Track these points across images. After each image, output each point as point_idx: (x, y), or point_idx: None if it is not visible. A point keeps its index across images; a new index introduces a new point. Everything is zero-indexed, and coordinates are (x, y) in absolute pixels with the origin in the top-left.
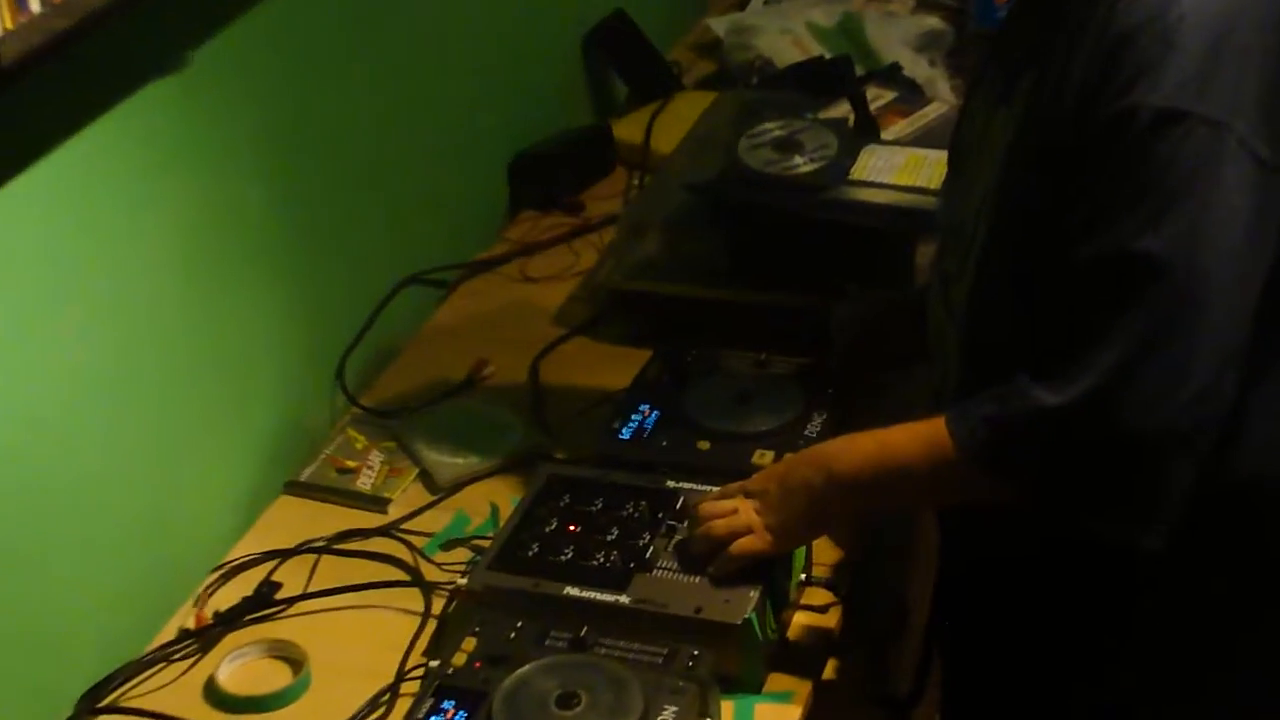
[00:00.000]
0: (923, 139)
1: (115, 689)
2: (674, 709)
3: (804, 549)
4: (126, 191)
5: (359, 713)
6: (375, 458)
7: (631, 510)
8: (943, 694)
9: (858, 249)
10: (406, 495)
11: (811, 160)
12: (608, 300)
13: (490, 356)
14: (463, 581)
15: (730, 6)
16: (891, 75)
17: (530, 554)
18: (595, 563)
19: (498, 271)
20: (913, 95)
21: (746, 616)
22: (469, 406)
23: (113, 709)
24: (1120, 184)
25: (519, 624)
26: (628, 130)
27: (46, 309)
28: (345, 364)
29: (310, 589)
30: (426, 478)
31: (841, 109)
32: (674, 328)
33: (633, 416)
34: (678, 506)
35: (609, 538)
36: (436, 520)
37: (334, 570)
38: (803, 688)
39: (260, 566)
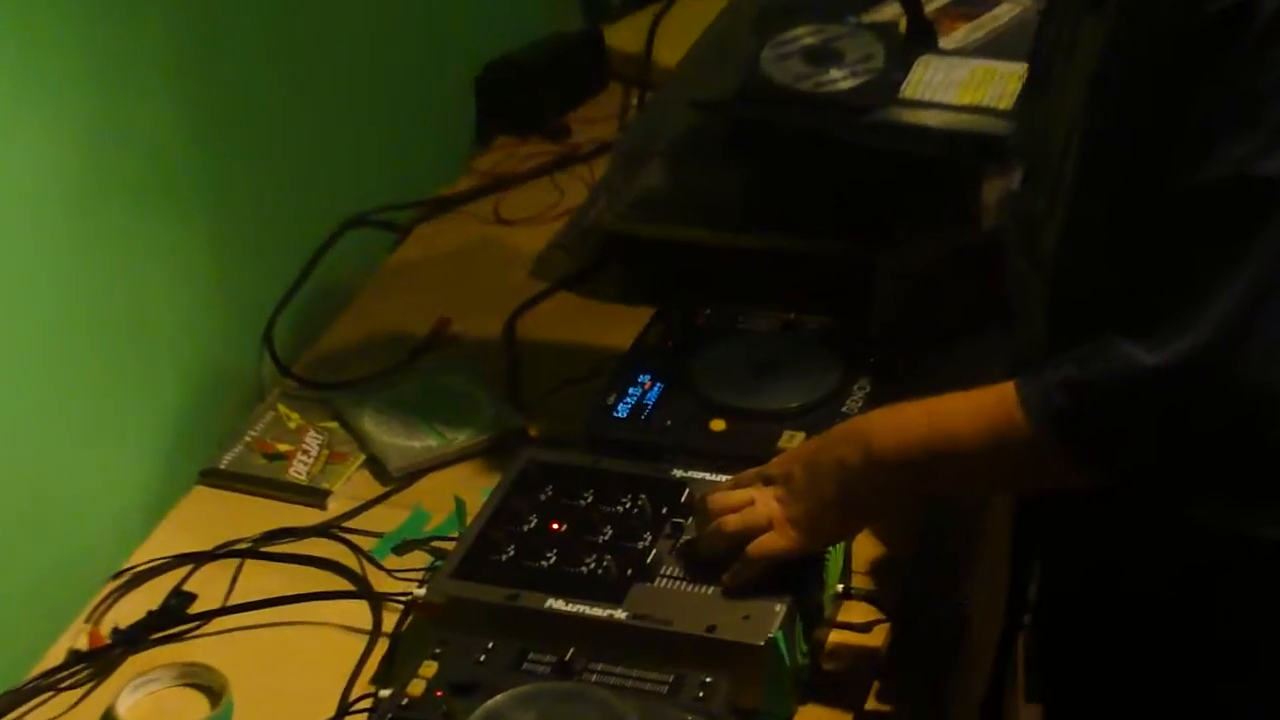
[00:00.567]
0: (991, 48)
1: None
2: None
3: (840, 550)
4: None
5: None
6: (312, 440)
7: (629, 505)
8: None
9: (910, 183)
10: (350, 486)
11: (853, 74)
12: (599, 247)
13: (455, 315)
14: (420, 592)
15: None
16: None
17: (504, 558)
18: (584, 569)
19: (464, 211)
20: None
21: (771, 636)
22: (428, 377)
23: None
24: (1234, 96)
25: (490, 645)
26: (623, 37)
27: None
28: (275, 324)
29: (231, 601)
30: (375, 465)
31: (890, 11)
32: (681, 281)
33: (630, 390)
34: (684, 500)
35: (601, 539)
36: (388, 517)
37: (261, 578)
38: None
39: (170, 574)
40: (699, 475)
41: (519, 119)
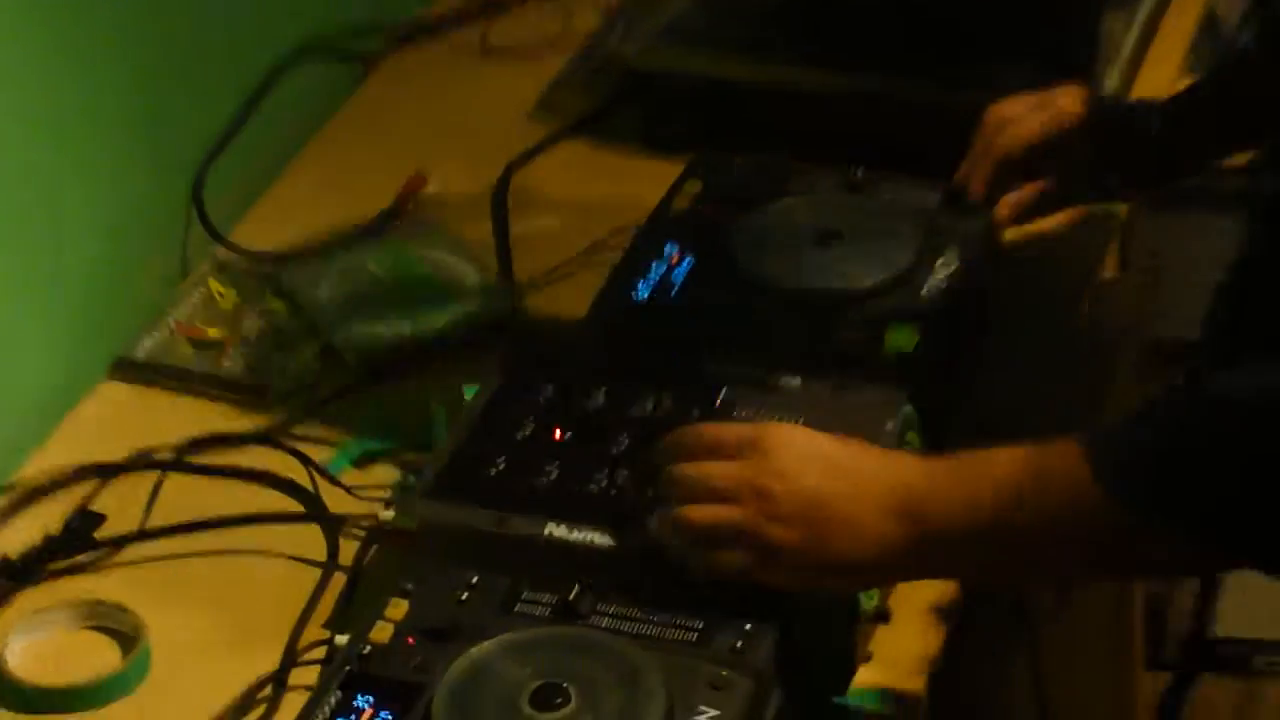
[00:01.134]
0: None
1: None
2: (712, 713)
3: None
4: None
5: (226, 714)
6: (251, 324)
7: (650, 407)
8: None
9: (1017, 9)
10: (301, 383)
11: None
12: (616, 84)
13: (432, 170)
14: (387, 515)
15: None
16: None
17: (493, 474)
18: (593, 488)
19: (444, 39)
20: None
21: None
22: (398, 247)
23: None
24: None
25: (474, 580)
26: None
27: None
28: (205, 178)
29: (148, 525)
30: (333, 355)
31: None
32: (719, 128)
33: (653, 265)
34: (720, 402)
35: (615, 450)
36: (348, 422)
37: (186, 496)
38: (914, 681)
39: (71, 489)
40: (738, 372)
41: None
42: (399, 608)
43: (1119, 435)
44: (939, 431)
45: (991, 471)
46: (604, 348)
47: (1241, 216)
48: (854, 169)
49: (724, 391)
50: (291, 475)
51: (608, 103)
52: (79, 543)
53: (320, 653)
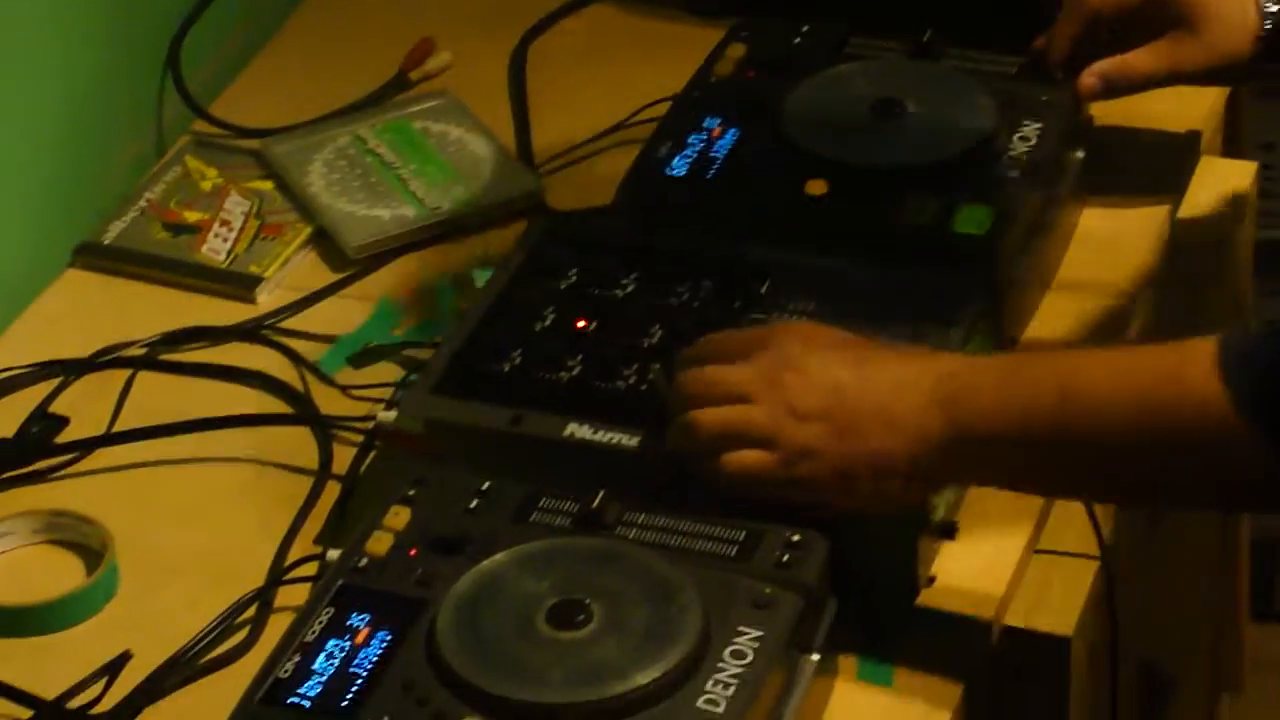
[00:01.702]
0: None
1: None
2: (755, 634)
3: None
4: None
5: (202, 635)
6: (235, 206)
7: (686, 294)
8: None
9: None
10: (291, 271)
11: None
12: None
13: (440, 35)
14: (387, 416)
15: None
16: None
17: (507, 368)
18: (621, 383)
19: None
20: None
21: None
22: (402, 122)
23: None
24: None
25: (485, 486)
26: None
27: None
28: (183, 42)
29: (117, 428)
30: (326, 241)
31: None
32: None
33: (692, 138)
34: (766, 289)
35: (647, 341)
36: (342, 316)
37: (160, 397)
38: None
39: (30, 389)
40: (788, 257)
41: None
42: (400, 516)
43: (1256, 350)
44: (1012, 327)
45: (1056, 369)
46: (635, 228)
47: None
48: (921, 31)
49: (770, 277)
50: (279, 374)
51: None
52: (38, 448)
53: (311, 569)
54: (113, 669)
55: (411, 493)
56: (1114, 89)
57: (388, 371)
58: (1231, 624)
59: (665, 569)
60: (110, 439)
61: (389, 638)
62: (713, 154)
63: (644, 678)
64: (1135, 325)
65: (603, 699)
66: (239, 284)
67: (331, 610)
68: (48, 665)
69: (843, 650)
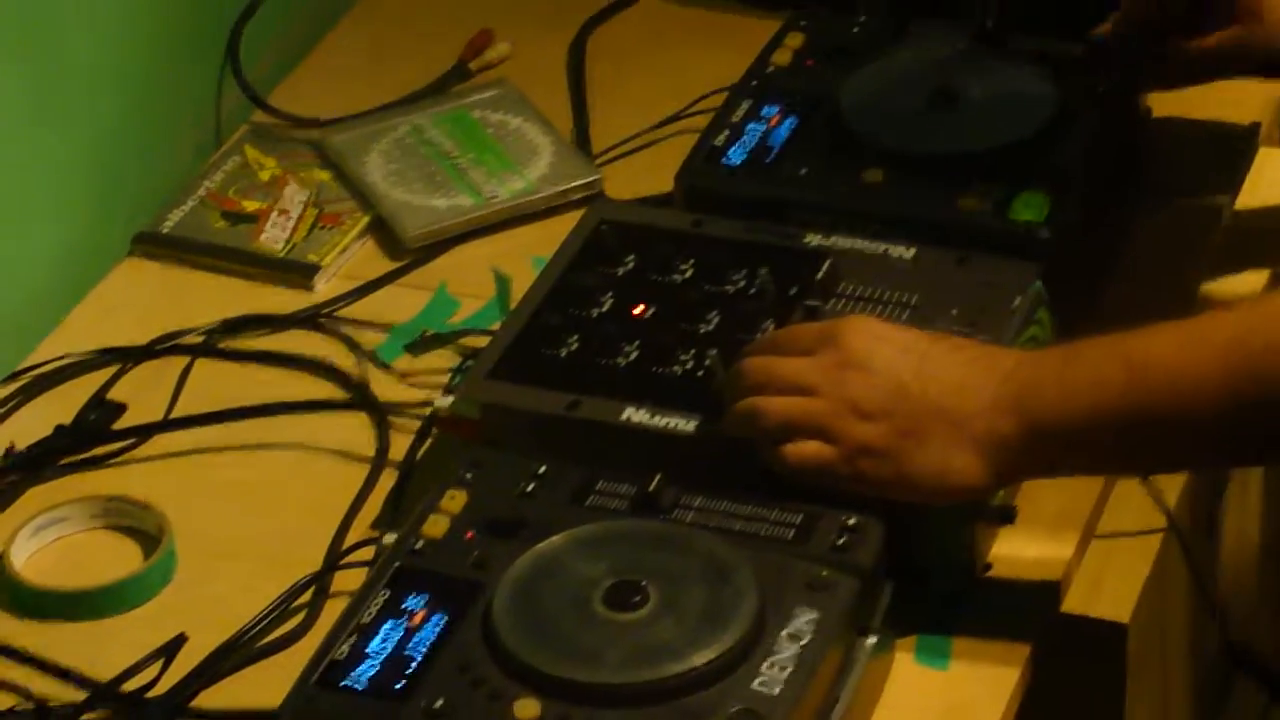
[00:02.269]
0: None
1: None
2: (811, 616)
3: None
4: None
5: (261, 617)
6: (294, 196)
7: (743, 282)
8: None
9: None
10: (348, 260)
11: None
12: None
13: (499, 27)
14: (445, 402)
15: None
16: None
17: (564, 354)
18: (678, 369)
19: None
20: None
21: None
22: (460, 113)
23: None
24: None
25: (542, 470)
26: None
27: None
28: (242, 33)
29: (175, 414)
30: (384, 231)
31: None
32: None
33: (749, 126)
34: (822, 276)
35: (703, 328)
36: (400, 304)
37: (218, 383)
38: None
39: (88, 375)
40: (844, 244)
41: None
42: (456, 499)
43: None
44: (1071, 316)
45: (1118, 347)
46: (692, 216)
47: None
48: (985, 18)
49: (828, 263)
50: (337, 362)
51: None
52: (96, 434)
53: (367, 554)
54: (168, 651)
55: (468, 476)
56: (1176, 79)
57: (445, 359)
58: None
59: (721, 551)
60: (167, 425)
61: (445, 620)
62: (770, 142)
63: (700, 659)
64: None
65: (659, 679)
66: (297, 272)
67: (388, 592)
68: (104, 649)
69: (900, 633)
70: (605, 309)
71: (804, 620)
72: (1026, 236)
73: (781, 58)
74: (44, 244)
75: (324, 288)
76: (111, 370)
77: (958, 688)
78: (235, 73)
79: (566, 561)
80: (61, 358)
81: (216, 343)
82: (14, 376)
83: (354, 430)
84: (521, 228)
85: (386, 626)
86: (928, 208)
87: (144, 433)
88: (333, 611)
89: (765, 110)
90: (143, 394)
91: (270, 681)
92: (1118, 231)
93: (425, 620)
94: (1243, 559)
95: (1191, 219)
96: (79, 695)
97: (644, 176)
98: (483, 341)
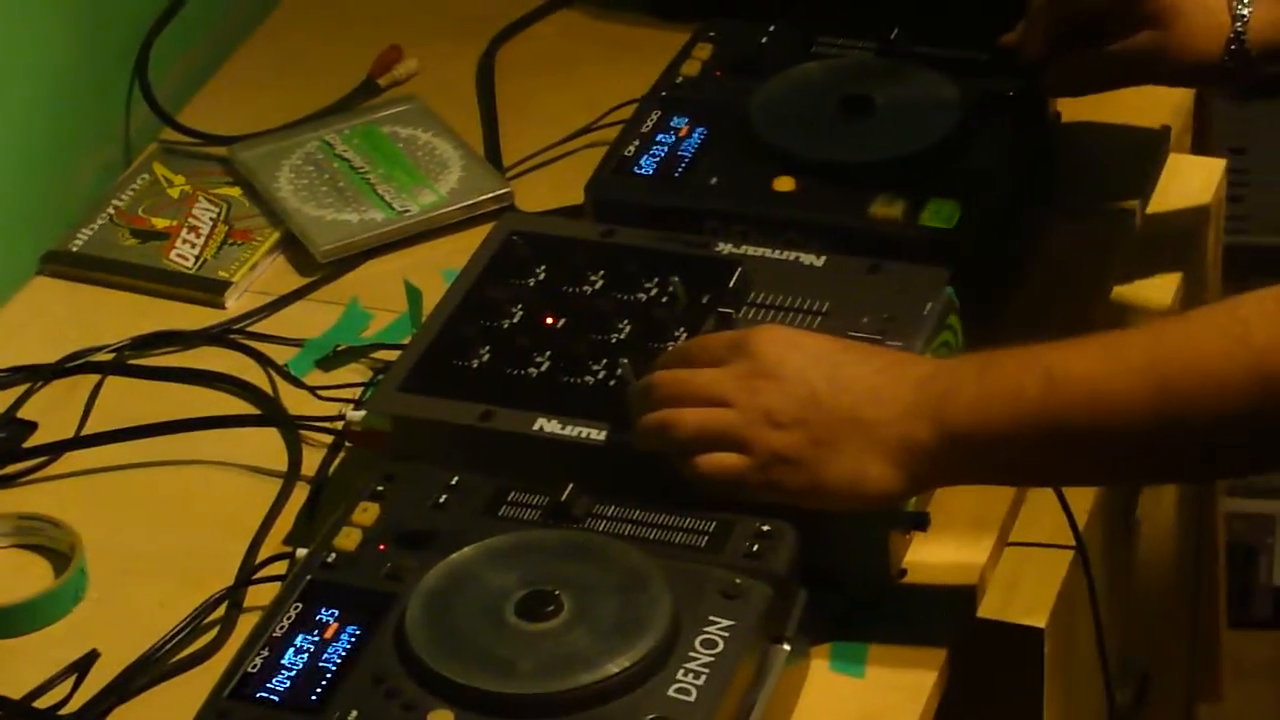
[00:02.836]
0: None
1: None
2: (725, 623)
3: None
4: None
5: (174, 633)
6: (203, 213)
7: (655, 291)
8: None
9: None
10: (259, 276)
11: None
12: None
13: (408, 42)
14: (356, 416)
15: None
16: None
17: (476, 365)
18: (590, 379)
19: None
20: None
21: None
22: (370, 127)
23: None
24: None
25: (454, 481)
26: None
27: None
28: (150, 50)
29: (86, 432)
30: (295, 246)
31: None
32: None
33: (659, 137)
34: (734, 283)
35: (615, 337)
36: (311, 319)
37: (128, 401)
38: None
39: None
40: (756, 252)
41: None
42: (368, 512)
43: None
44: (982, 322)
45: (1039, 357)
46: (602, 226)
47: None
48: (885, 28)
49: (739, 271)
50: (248, 377)
51: None
52: (6, 452)
53: (280, 568)
54: (80, 668)
55: (380, 488)
56: (1082, 86)
57: (357, 373)
58: (1210, 632)
59: (635, 559)
60: (78, 442)
61: (358, 632)
62: (679, 153)
63: (614, 667)
64: (1101, 321)
65: (573, 689)
66: (207, 289)
67: (300, 605)
68: (16, 667)
69: (816, 640)
70: (516, 320)
71: (719, 627)
72: (937, 243)
73: (690, 69)
74: None
75: (235, 304)
76: (21, 389)
77: (874, 694)
78: (144, 90)
79: (479, 572)
80: None
81: (127, 360)
82: None
83: (266, 445)
84: (433, 241)
85: (300, 639)
86: (839, 216)
87: (55, 450)
88: (246, 627)
89: (674, 121)
90: (53, 412)
91: (184, 698)
92: (1029, 237)
93: (338, 633)
94: (1157, 567)
95: (1103, 224)
96: None
97: (555, 189)
98: (395, 355)
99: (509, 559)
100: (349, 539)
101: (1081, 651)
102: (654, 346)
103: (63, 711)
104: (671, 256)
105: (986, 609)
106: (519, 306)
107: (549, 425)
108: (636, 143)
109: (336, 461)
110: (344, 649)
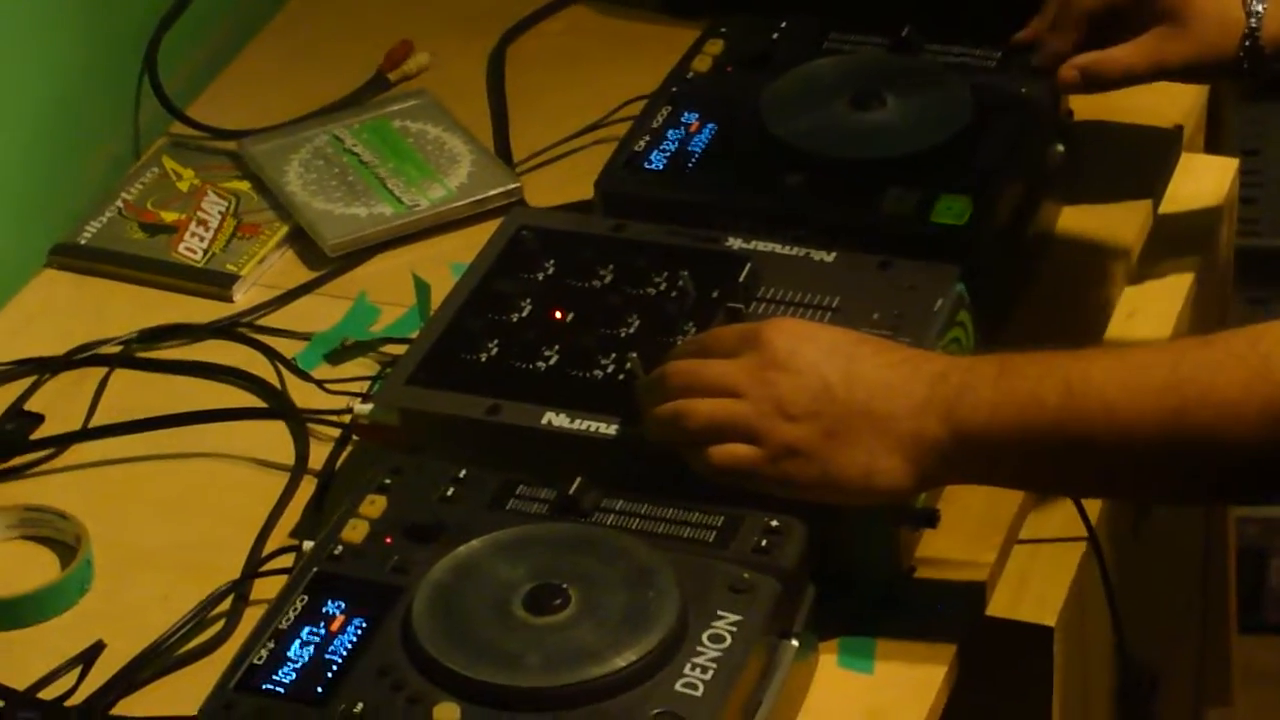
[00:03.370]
0: None
1: None
2: (733, 618)
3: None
4: None
5: (180, 625)
6: (212, 206)
7: (664, 285)
8: None
9: None
10: (268, 270)
11: None
12: None
13: (419, 37)
14: (364, 409)
15: None
16: None
17: (484, 358)
18: (598, 373)
19: None
20: None
21: None
22: (380, 122)
23: None
24: None
25: (461, 474)
26: None
27: None
28: (160, 44)
29: (93, 424)
30: (303, 240)
31: None
32: None
33: (669, 133)
34: (744, 278)
35: (624, 332)
36: (319, 313)
37: (135, 394)
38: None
39: (6, 386)
40: (765, 247)
41: None
42: (375, 504)
43: None
44: (994, 321)
45: (1058, 366)
46: (612, 221)
47: None
48: (897, 26)
49: (749, 266)
50: (255, 370)
51: None
52: (13, 444)
53: (287, 561)
54: (86, 659)
55: (387, 481)
56: (1094, 83)
57: (365, 367)
58: (1219, 636)
59: (642, 553)
60: (85, 434)
61: (364, 624)
62: (690, 148)
63: (621, 661)
64: (1114, 320)
65: (580, 682)
66: (215, 282)
67: (306, 597)
68: (22, 659)
69: (824, 636)
70: (525, 314)
71: (726, 622)
72: (948, 240)
73: (701, 65)
74: None
75: (243, 298)
76: (29, 381)
77: (882, 690)
78: (153, 85)
79: (486, 565)
80: None
81: (135, 352)
82: None
83: (273, 439)
84: (442, 236)
85: (305, 631)
86: (850, 212)
87: (62, 442)
88: (252, 620)
89: (685, 116)
90: (60, 404)
91: (189, 690)
92: (1040, 234)
93: (345, 625)
94: (1166, 569)
95: (1115, 222)
96: None
97: (564, 185)
98: (403, 349)
99: (516, 552)
100: (356, 531)
101: (1091, 650)
102: (663, 341)
103: (68, 702)
104: (681, 251)
105: (996, 607)
106: (527, 300)
107: (557, 419)
108: (647, 138)
109: (344, 455)
110: (350, 641)
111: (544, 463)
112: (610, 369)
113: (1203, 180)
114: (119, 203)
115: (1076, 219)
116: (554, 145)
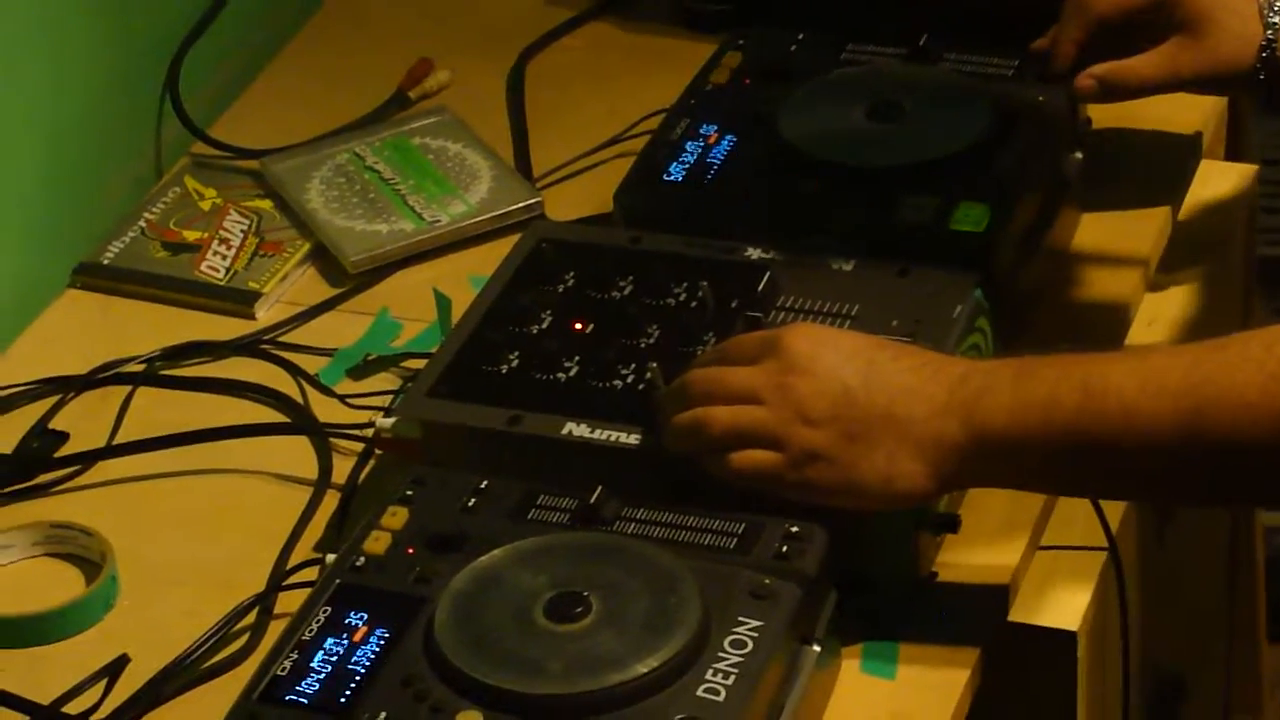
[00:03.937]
0: None
1: None
2: (754, 624)
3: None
4: None
5: (204, 640)
6: (234, 225)
7: (684, 296)
8: None
9: None
10: (290, 287)
11: None
12: None
13: (439, 55)
14: (386, 424)
15: None
16: None
17: (505, 370)
18: (619, 383)
19: None
20: None
21: None
22: (401, 140)
23: None
24: None
25: (483, 485)
26: None
27: None
28: (181, 65)
29: (118, 441)
30: (325, 258)
31: None
32: (767, 3)
33: (688, 144)
34: (763, 288)
35: (644, 342)
36: (341, 329)
37: (159, 411)
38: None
39: (31, 405)
40: (784, 257)
41: None
42: (397, 516)
43: None
44: (1011, 327)
45: (1077, 368)
46: (631, 233)
47: None
48: (914, 36)
49: (768, 275)
50: (278, 387)
51: None
52: (38, 462)
53: (311, 574)
54: (111, 673)
55: (409, 492)
56: (1111, 93)
57: (387, 382)
58: (1248, 645)
59: (663, 560)
60: (110, 451)
61: (387, 635)
62: (709, 159)
63: (643, 667)
64: (1133, 327)
65: (602, 689)
66: (238, 300)
67: (329, 609)
68: (47, 675)
69: (847, 641)
70: (545, 325)
71: (748, 628)
72: (967, 247)
73: (720, 76)
74: None
75: (265, 315)
76: (53, 400)
77: (905, 696)
78: (175, 105)
79: (508, 574)
80: (4, 388)
81: (158, 370)
82: None
83: (296, 454)
84: (463, 251)
85: (329, 643)
86: (868, 220)
87: (86, 460)
88: (276, 634)
89: (704, 128)
90: (85, 422)
91: (214, 704)
92: (1059, 242)
93: (367, 636)
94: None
95: (1133, 229)
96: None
97: (585, 199)
98: (425, 364)
99: (537, 561)
100: (378, 543)
101: (1116, 655)
102: (682, 351)
103: (93, 717)
104: (700, 262)
105: (1019, 612)
106: (548, 312)
107: (578, 429)
108: (666, 150)
109: (366, 469)
110: (373, 652)
111: (565, 473)
112: (630, 379)
113: (1222, 187)
114: (141, 222)
115: (1095, 226)
116: (574, 160)
